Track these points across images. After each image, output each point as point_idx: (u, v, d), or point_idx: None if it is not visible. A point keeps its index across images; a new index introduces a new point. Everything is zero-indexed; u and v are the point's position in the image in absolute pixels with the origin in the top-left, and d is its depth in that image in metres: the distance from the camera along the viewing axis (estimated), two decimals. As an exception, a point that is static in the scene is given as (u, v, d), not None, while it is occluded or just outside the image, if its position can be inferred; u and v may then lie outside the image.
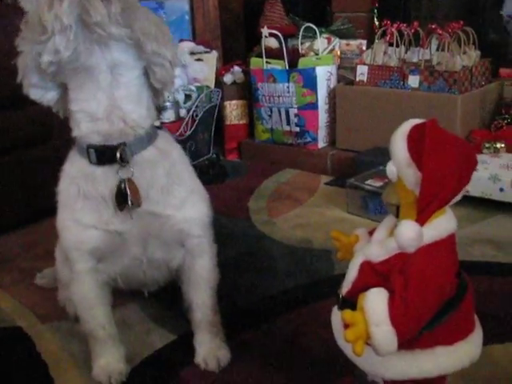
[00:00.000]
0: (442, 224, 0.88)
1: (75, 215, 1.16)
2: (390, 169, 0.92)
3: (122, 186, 1.11)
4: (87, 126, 1.09)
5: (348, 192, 2.11)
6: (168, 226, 1.20)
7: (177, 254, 1.27)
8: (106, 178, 1.13)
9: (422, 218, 0.85)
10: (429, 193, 0.83)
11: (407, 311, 0.82)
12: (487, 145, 2.16)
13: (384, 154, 2.20)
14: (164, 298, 1.53)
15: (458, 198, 0.89)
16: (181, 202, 1.19)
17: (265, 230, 1.99)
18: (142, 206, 1.14)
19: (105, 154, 1.11)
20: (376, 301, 0.83)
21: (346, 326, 0.84)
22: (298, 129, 2.61)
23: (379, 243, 0.92)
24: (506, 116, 2.37)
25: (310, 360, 1.29)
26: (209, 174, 2.45)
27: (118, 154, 1.10)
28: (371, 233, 1.04)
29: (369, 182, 2.06)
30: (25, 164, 2.06)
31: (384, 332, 0.81)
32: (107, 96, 1.06)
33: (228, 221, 2.04)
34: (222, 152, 2.85)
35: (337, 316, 0.98)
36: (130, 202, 1.12)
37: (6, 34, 1.88)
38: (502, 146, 2.15)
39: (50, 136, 2.09)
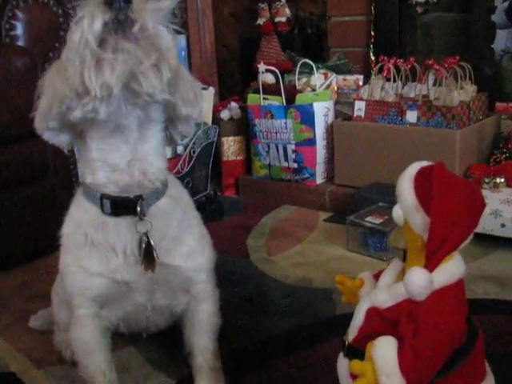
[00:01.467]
0: (451, 269, 0.85)
1: (81, 261, 1.12)
2: (397, 213, 0.89)
3: (145, 240, 1.09)
4: (105, 176, 1.06)
5: (348, 229, 2.08)
6: (177, 275, 1.18)
7: (182, 300, 1.24)
8: (118, 229, 1.09)
9: (431, 264, 0.82)
10: (438, 238, 0.81)
11: (418, 360, 0.79)
12: (487, 180, 2.15)
13: (383, 190, 2.23)
14: (162, 341, 1.50)
15: (467, 241, 0.86)
16: (190, 250, 1.17)
17: (264, 268, 1.96)
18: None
19: (121, 206, 1.08)
20: (385, 350, 0.80)
21: (354, 376, 0.81)
22: (295, 165, 2.60)
23: (386, 289, 0.90)
24: (505, 150, 2.36)
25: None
26: (206, 211, 2.43)
27: (138, 208, 1.07)
28: (376, 276, 1.01)
29: (368, 218, 2.04)
30: (20, 202, 2.03)
31: (395, 383, 0.78)
32: (131, 149, 1.04)
33: (226, 259, 2.01)
34: (219, 188, 2.83)
35: (343, 363, 0.95)
36: (157, 257, 1.10)
37: (4, 75, 1.91)
38: (502, 180, 2.13)
39: (46, 173, 2.07)
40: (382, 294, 0.89)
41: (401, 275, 0.93)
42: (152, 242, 1.09)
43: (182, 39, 3.29)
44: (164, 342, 1.50)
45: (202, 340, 1.27)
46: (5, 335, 1.63)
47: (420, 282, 0.80)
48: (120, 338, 1.44)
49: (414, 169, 0.87)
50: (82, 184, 1.12)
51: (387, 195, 2.16)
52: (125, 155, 1.04)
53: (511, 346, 1.40)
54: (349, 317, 1.01)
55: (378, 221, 2.01)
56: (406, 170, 0.88)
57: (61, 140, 1.09)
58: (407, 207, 0.86)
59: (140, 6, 0.92)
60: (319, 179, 2.61)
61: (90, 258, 1.12)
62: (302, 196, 2.60)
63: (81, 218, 1.12)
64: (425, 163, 0.87)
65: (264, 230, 2.33)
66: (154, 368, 1.44)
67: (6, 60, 1.94)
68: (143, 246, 1.09)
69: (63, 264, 1.17)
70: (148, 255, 1.10)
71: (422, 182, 0.84)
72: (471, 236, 0.87)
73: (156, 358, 1.48)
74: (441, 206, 0.81)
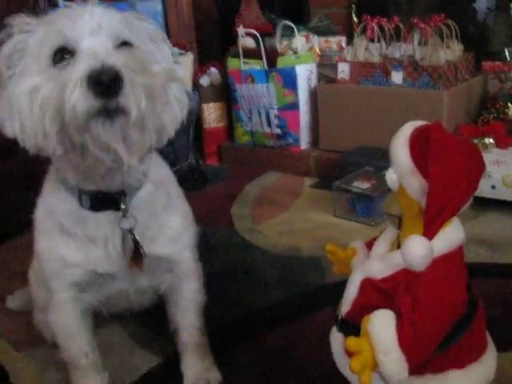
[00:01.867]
0: (451, 235, 0.80)
1: (57, 249, 1.05)
2: (391, 177, 0.82)
3: (130, 237, 1.02)
4: (80, 178, 0.98)
5: (334, 195, 2.03)
6: (161, 261, 1.12)
7: (165, 279, 1.19)
8: (98, 223, 1.02)
9: (430, 232, 0.76)
10: (437, 203, 0.75)
11: (417, 335, 0.74)
12: (476, 141, 2.09)
13: (369, 154, 2.17)
14: (147, 317, 1.44)
15: (467, 205, 0.81)
16: (175, 233, 1.11)
17: (249, 238, 1.90)
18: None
19: (101, 202, 1.00)
20: (383, 326, 0.74)
21: (350, 353, 0.76)
22: (279, 130, 2.53)
23: (380, 258, 0.84)
24: (492, 110, 2.30)
25: (305, 377, 1.21)
26: (189, 181, 2.36)
27: (122, 206, 1.00)
28: (369, 245, 0.96)
29: (355, 184, 1.98)
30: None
31: (394, 360, 0.73)
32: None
33: (211, 230, 1.95)
34: (201, 156, 2.75)
35: (336, 338, 0.90)
36: (143, 253, 1.04)
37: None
38: (491, 141, 2.08)
39: (17, 149, 1.98)
40: (377, 263, 0.84)
41: (395, 243, 0.87)
42: (137, 238, 1.03)
43: (158, 4, 3.18)
44: (148, 319, 1.44)
45: (186, 317, 1.23)
46: (-19, 316, 1.56)
47: (420, 251, 0.74)
48: (101, 316, 1.38)
49: (408, 129, 0.80)
50: (57, 172, 1.03)
51: (374, 159, 2.11)
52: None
53: (506, 310, 1.37)
54: (338, 285, 0.96)
55: (366, 186, 1.96)
56: (399, 130, 0.81)
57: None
58: (402, 171, 0.79)
59: (132, 89, 0.81)
60: (303, 144, 2.54)
61: (67, 247, 1.04)
62: (287, 162, 2.54)
63: (55, 207, 1.04)
64: (419, 123, 0.81)
65: (248, 198, 2.27)
66: (139, 345, 1.39)
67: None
68: (129, 243, 1.03)
69: (39, 248, 1.10)
70: (134, 252, 1.04)
71: (418, 144, 0.78)
72: (471, 200, 0.81)
73: (140, 334, 1.43)
74: (439, 168, 0.74)
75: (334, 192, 2.03)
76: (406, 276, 0.79)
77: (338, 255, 0.98)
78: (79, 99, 0.79)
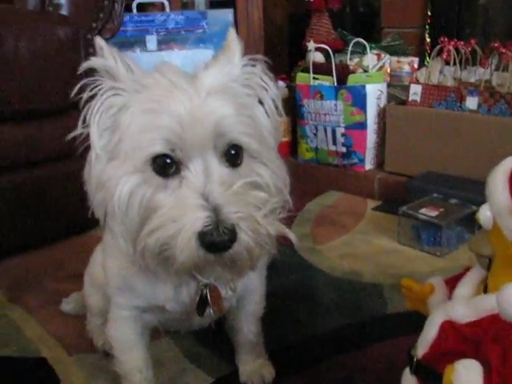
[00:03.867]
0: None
1: (126, 276, 1.03)
2: (485, 214, 0.76)
3: (204, 293, 1.00)
4: None
5: (400, 220, 1.95)
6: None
7: (230, 302, 1.14)
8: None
9: None
10: None
11: (506, 391, 0.67)
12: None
13: (438, 181, 2.09)
14: (201, 334, 1.40)
15: None
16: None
17: (310, 258, 1.85)
18: None
19: None
20: (470, 378, 0.68)
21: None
22: (344, 149, 2.47)
23: (465, 301, 0.78)
24: None
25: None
26: (249, 195, 2.32)
27: None
28: (448, 282, 0.89)
29: (422, 210, 1.91)
30: (52, 179, 1.95)
31: (479, 416, 0.67)
32: None
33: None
34: (262, 170, 2.71)
35: (410, 381, 0.84)
36: (211, 312, 1.02)
37: (45, 45, 1.81)
38: None
39: (74, 150, 1.98)
40: (461, 306, 0.77)
41: (481, 286, 0.81)
42: (218, 295, 1.01)
43: (230, 14, 3.17)
44: (203, 336, 1.41)
45: (246, 325, 1.24)
46: (36, 317, 1.55)
47: None
48: (155, 330, 1.35)
49: (509, 164, 0.74)
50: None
51: (442, 186, 2.03)
52: None
53: None
54: (401, 317, 0.91)
55: (433, 213, 1.88)
56: (499, 164, 0.75)
57: None
58: (499, 208, 0.73)
59: (245, 241, 0.79)
60: (368, 165, 2.48)
61: (137, 280, 1.01)
62: (350, 182, 2.48)
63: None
64: (523, 158, 0.74)
65: (309, 217, 2.22)
66: (191, 362, 1.35)
67: (48, 29, 1.85)
68: (203, 296, 1.01)
69: (107, 265, 1.08)
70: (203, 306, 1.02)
71: (520, 181, 0.71)
72: None
73: (193, 351, 1.39)
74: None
75: (399, 217, 1.95)
76: (492, 323, 0.72)
77: (415, 290, 0.92)
78: (190, 253, 0.77)
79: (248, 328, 1.24)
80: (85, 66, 0.89)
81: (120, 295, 1.07)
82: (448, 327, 0.78)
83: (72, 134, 0.92)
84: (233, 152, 0.86)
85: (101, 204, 0.87)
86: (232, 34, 0.97)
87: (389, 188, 2.35)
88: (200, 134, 0.81)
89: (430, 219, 1.86)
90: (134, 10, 3.01)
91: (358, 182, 2.45)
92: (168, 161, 0.82)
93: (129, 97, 0.87)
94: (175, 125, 0.81)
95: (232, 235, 0.77)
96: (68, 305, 1.56)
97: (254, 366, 1.27)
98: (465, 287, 0.82)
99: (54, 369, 1.34)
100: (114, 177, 0.84)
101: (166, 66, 0.90)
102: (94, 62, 0.88)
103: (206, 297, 1.00)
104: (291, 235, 0.90)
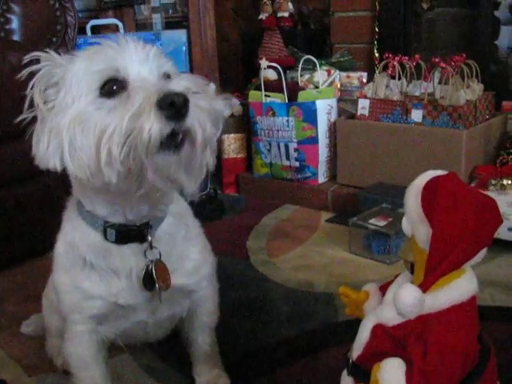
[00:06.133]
0: (463, 285, 0.80)
1: (78, 283, 1.07)
2: (404, 224, 0.84)
3: (150, 268, 1.04)
4: (109, 210, 1.01)
5: (351, 231, 2.03)
6: (181, 291, 1.15)
7: (182, 308, 1.21)
8: (122, 255, 1.04)
9: (427, 281, 0.78)
10: (437, 254, 0.76)
11: (427, 385, 0.74)
12: (493, 181, 2.09)
13: (387, 191, 2.17)
14: (158, 347, 1.45)
15: (478, 259, 0.81)
16: (195, 264, 1.14)
17: (264, 271, 1.91)
18: None
19: (127, 235, 1.03)
20: (393, 374, 0.75)
21: (359, 399, 0.76)
22: (297, 163, 2.55)
23: (393, 305, 0.85)
24: (511, 151, 2.31)
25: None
26: (206, 210, 2.38)
27: (148, 238, 1.03)
28: (382, 288, 0.96)
29: (372, 220, 1.99)
30: (15, 201, 1.97)
31: (402, 410, 0.73)
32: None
33: (226, 261, 1.96)
34: (219, 187, 2.77)
35: (347, 382, 0.90)
36: (157, 287, 1.05)
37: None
38: (509, 182, 2.08)
39: (40, 172, 2.01)
40: (390, 310, 0.84)
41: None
42: (165, 269, 1.06)
43: (183, 34, 3.23)
44: (161, 350, 1.45)
45: (200, 336, 1.28)
46: (-3, 340, 1.58)
47: (409, 300, 0.76)
48: (115, 346, 1.39)
49: (423, 178, 0.82)
50: (78, 206, 1.05)
51: (391, 196, 2.11)
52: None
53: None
54: (351, 324, 0.97)
55: (382, 223, 1.96)
56: (415, 179, 0.82)
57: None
58: (412, 218, 0.81)
59: (197, 113, 0.85)
60: (321, 178, 2.55)
61: (89, 280, 1.06)
62: (304, 195, 2.54)
63: (78, 242, 1.06)
64: (437, 172, 0.82)
65: (264, 231, 2.28)
66: (150, 376, 1.39)
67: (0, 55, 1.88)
68: (148, 271, 1.05)
69: (58, 282, 1.11)
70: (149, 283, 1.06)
71: (429, 193, 0.79)
72: (482, 254, 0.81)
73: (150, 364, 1.43)
74: (443, 219, 0.75)
75: (350, 228, 2.03)
76: (417, 324, 0.79)
77: (351, 298, 0.99)
78: (155, 124, 0.81)
79: (203, 339, 1.28)
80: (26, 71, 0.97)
81: (75, 310, 1.10)
82: (379, 330, 0.84)
83: (20, 117, 0.98)
84: (166, 76, 0.95)
85: (56, 151, 0.92)
86: None
87: (342, 200, 2.43)
88: (137, 54, 0.91)
89: (379, 229, 1.94)
90: (89, 33, 3.05)
91: (312, 196, 2.52)
92: (114, 85, 0.89)
93: (67, 66, 0.95)
94: (117, 56, 0.91)
95: (185, 97, 0.83)
96: (28, 327, 1.59)
97: (209, 376, 1.31)
98: (393, 292, 0.88)
99: (15, 389, 1.37)
100: (66, 117, 0.90)
101: None
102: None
103: (152, 271, 1.03)
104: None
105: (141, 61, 0.91)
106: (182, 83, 0.86)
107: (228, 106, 2.78)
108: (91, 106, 0.89)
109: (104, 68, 0.91)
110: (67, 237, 1.08)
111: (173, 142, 0.84)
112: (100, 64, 0.91)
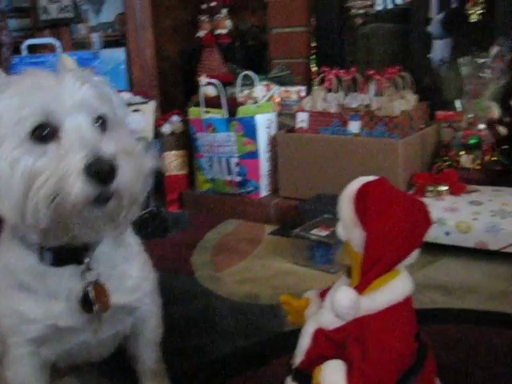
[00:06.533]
0: (398, 286, 0.83)
1: (16, 306, 1.04)
2: (339, 230, 0.86)
3: (87, 290, 1.03)
4: (42, 238, 0.97)
5: (294, 242, 2.05)
6: (123, 310, 1.14)
7: (125, 325, 1.20)
8: (60, 277, 1.03)
9: (363, 283, 0.80)
10: (371, 256, 0.79)
11: (367, 384, 0.76)
12: (430, 188, 2.15)
13: (328, 202, 2.21)
14: (103, 367, 1.43)
15: (410, 260, 0.84)
16: (135, 282, 1.13)
17: (209, 286, 1.90)
18: None
19: (64, 257, 1.01)
20: (333, 376, 0.76)
21: (302, 403, 0.77)
22: (239, 178, 2.56)
23: (332, 309, 0.86)
24: (446, 158, 2.38)
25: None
26: (149, 228, 2.36)
27: (87, 259, 1.02)
28: (322, 294, 0.98)
29: (314, 231, 2.01)
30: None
31: (344, 410, 0.75)
32: None
33: (171, 277, 1.95)
34: (162, 204, 2.76)
35: (290, 388, 0.91)
36: (94, 311, 1.04)
37: None
38: (445, 188, 2.14)
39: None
40: (328, 314, 0.86)
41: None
42: (103, 291, 1.05)
43: (122, 53, 3.22)
44: (106, 367, 1.43)
45: (146, 352, 1.27)
46: None
47: (345, 302, 0.78)
48: (58, 368, 1.36)
49: (355, 184, 0.84)
50: (12, 230, 1.03)
51: (332, 206, 2.13)
52: None
53: (459, 356, 1.39)
54: (296, 334, 0.99)
55: (324, 233, 1.99)
56: (348, 185, 0.85)
57: None
58: (347, 224, 0.84)
59: (124, 176, 0.87)
60: (263, 192, 2.57)
61: (27, 302, 1.04)
62: (247, 209, 2.56)
63: (13, 265, 1.04)
64: (368, 179, 0.84)
65: (209, 246, 2.28)
66: (95, 397, 1.37)
67: None
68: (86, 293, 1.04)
69: None
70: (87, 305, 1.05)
71: (361, 198, 0.81)
72: (414, 254, 0.84)
73: (96, 385, 1.41)
74: (375, 223, 0.78)
75: (293, 239, 2.05)
76: (356, 326, 0.81)
77: (292, 305, 1.00)
78: (80, 189, 0.83)
79: (148, 355, 1.27)
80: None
81: (13, 333, 1.07)
82: (319, 334, 0.86)
83: None
84: (100, 121, 0.95)
85: None
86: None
87: (284, 212, 2.45)
88: (71, 100, 0.91)
89: (321, 239, 1.97)
90: (24, 52, 3.01)
91: (254, 209, 2.54)
92: (45, 130, 0.89)
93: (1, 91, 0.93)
94: (49, 100, 0.90)
95: (114, 163, 0.85)
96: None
97: None
98: (331, 296, 0.90)
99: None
100: None
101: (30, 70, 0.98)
102: None
103: (89, 294, 1.03)
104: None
105: (75, 106, 0.91)
106: (111, 146, 0.87)
107: (169, 125, 2.78)
108: (20, 149, 0.89)
109: (36, 113, 0.89)
110: (2, 259, 1.06)
111: (100, 197, 0.86)
112: (32, 107, 0.90)
